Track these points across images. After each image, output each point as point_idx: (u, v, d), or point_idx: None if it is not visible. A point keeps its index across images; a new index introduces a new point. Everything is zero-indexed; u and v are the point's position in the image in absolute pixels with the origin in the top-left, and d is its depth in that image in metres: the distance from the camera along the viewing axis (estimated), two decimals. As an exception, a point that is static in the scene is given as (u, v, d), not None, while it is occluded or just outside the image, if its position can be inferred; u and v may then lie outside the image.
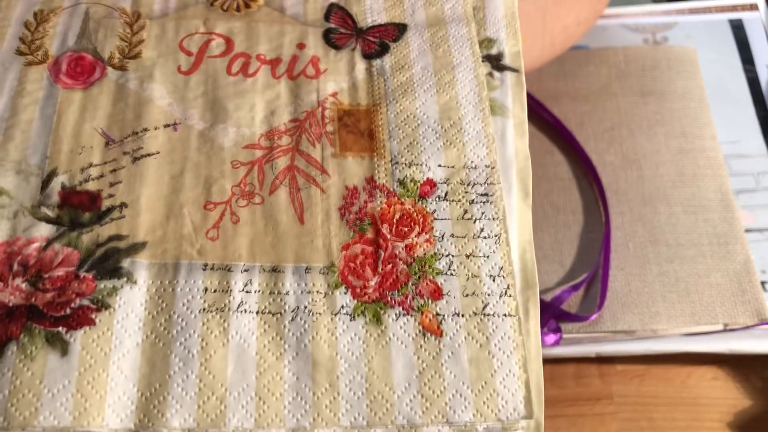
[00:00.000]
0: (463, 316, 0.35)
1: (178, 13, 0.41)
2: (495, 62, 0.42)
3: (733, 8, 0.65)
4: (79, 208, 0.34)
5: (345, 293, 0.35)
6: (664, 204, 0.54)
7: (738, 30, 0.64)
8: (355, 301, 0.34)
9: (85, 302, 0.32)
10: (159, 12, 0.41)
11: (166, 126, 0.37)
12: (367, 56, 0.41)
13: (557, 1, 0.54)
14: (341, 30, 0.42)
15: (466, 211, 0.37)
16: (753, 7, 0.65)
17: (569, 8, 0.55)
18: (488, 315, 0.35)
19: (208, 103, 0.38)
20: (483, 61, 0.42)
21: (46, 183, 0.35)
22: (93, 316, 0.32)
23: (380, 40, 0.42)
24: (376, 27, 0.42)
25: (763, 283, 0.51)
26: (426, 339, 0.34)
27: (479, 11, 0.44)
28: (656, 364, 0.50)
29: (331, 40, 0.42)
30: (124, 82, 0.38)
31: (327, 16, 0.42)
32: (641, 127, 0.58)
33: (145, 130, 0.37)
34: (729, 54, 0.63)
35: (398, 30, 0.42)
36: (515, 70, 0.42)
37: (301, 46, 0.41)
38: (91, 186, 0.35)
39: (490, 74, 0.41)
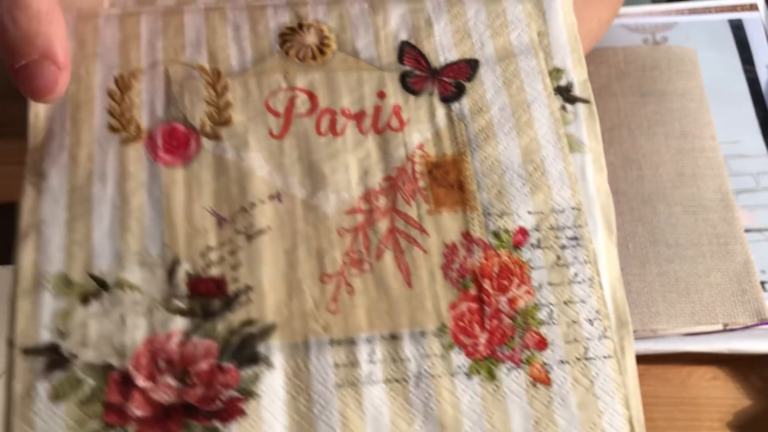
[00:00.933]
0: (567, 363, 0.38)
1: (256, 68, 0.42)
2: (566, 94, 0.43)
3: (733, 8, 0.66)
4: (207, 296, 0.36)
5: (459, 353, 0.37)
6: (664, 204, 0.56)
7: (738, 30, 0.65)
8: (469, 360, 0.37)
9: (233, 393, 0.35)
10: (237, 67, 0.41)
11: (271, 198, 0.39)
12: (446, 100, 0.42)
13: (582, 5, 0.55)
14: (416, 72, 0.43)
15: (558, 257, 0.39)
16: (753, 8, 0.66)
17: (592, 11, 0.56)
18: (590, 359, 0.38)
19: (304, 169, 0.40)
20: (554, 94, 0.43)
21: (171, 273, 0.36)
22: (242, 406, 0.35)
23: (456, 81, 0.43)
24: (449, 66, 0.43)
25: (762, 283, 0.53)
26: (537, 389, 0.37)
27: (543, 37, 0.44)
28: (656, 364, 0.51)
29: (408, 84, 0.42)
30: (221, 153, 0.39)
31: (400, 58, 0.43)
32: (641, 127, 0.59)
33: (253, 204, 0.38)
34: (729, 54, 0.64)
35: (470, 67, 0.43)
36: (586, 101, 0.43)
37: (381, 94, 0.42)
38: (215, 271, 0.37)
39: (563, 107, 0.43)
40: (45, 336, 0.35)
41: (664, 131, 0.59)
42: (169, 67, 0.41)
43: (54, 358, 0.34)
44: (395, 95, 0.42)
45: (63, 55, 0.35)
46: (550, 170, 0.41)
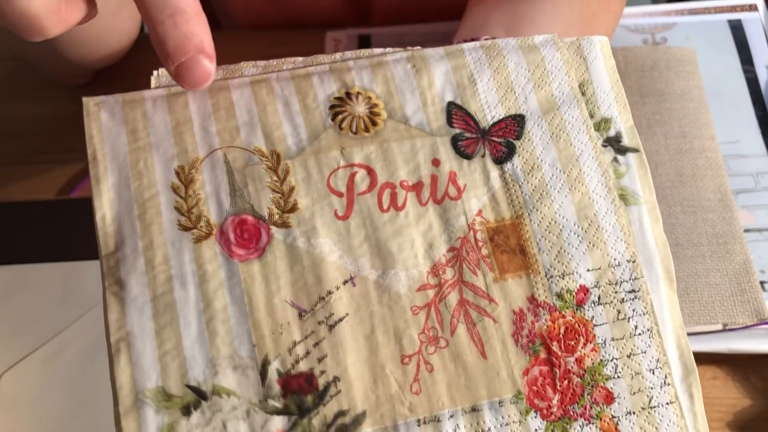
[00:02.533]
0: (634, 413, 0.40)
1: (312, 146, 0.42)
2: (616, 145, 0.44)
3: (732, 9, 0.67)
4: (300, 392, 0.38)
5: (535, 417, 0.40)
6: (664, 204, 0.57)
7: (737, 30, 0.66)
8: (545, 422, 0.40)
9: (337, 486, 0.37)
10: (294, 147, 0.42)
11: (345, 283, 0.40)
12: (498, 161, 0.43)
13: (593, 20, 0.56)
14: (467, 135, 0.44)
15: (619, 312, 0.42)
16: (752, 8, 0.66)
17: (601, 24, 0.57)
18: (654, 407, 0.41)
19: (372, 248, 0.41)
20: (605, 146, 0.44)
21: (263, 374, 0.38)
22: (346, 497, 0.37)
23: (505, 140, 0.44)
24: (497, 124, 0.44)
25: (762, 283, 0.54)
26: None
27: (587, 86, 0.45)
28: (656, 364, 0.54)
29: (460, 148, 0.43)
30: (292, 242, 0.40)
31: (449, 120, 0.44)
32: (640, 128, 0.60)
33: (330, 293, 0.40)
34: (728, 54, 0.65)
35: (517, 124, 0.44)
36: (636, 150, 0.44)
37: (435, 162, 0.43)
38: (303, 366, 0.38)
39: (616, 160, 0.44)
40: None
41: (664, 131, 0.60)
42: (227, 153, 0.41)
43: (164, 469, 0.36)
44: (449, 161, 0.43)
45: (210, 47, 0.38)
46: (604, 225, 0.43)
